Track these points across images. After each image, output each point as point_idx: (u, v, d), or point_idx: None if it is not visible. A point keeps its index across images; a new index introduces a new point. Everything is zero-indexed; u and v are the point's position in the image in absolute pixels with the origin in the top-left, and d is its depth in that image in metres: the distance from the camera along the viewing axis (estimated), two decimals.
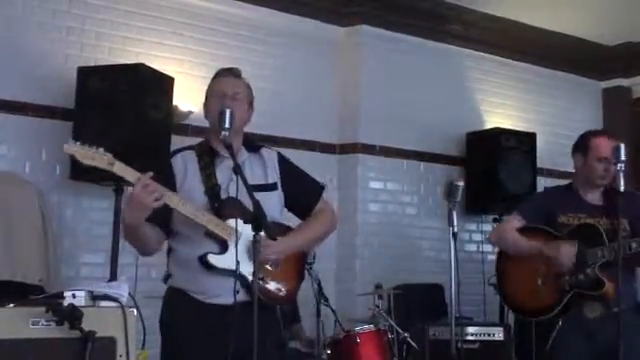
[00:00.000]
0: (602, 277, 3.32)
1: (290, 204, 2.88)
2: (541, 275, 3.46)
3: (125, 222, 2.58)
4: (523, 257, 3.52)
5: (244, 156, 2.81)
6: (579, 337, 3.37)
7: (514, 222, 3.59)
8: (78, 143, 2.51)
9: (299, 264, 2.89)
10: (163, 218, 2.66)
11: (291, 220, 2.92)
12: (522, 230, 3.55)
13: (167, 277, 2.80)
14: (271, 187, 2.80)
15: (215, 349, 2.60)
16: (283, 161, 2.91)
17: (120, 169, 2.52)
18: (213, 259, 2.64)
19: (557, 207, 3.52)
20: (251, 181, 2.62)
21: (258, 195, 2.56)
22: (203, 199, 2.69)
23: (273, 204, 2.78)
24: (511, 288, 3.65)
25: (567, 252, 3.37)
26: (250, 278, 2.60)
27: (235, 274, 2.58)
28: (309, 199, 2.93)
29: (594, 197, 3.53)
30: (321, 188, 3.00)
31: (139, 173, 2.53)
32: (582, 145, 3.57)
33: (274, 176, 2.84)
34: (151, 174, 2.52)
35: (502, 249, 3.70)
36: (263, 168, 2.83)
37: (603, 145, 3.49)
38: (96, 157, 2.50)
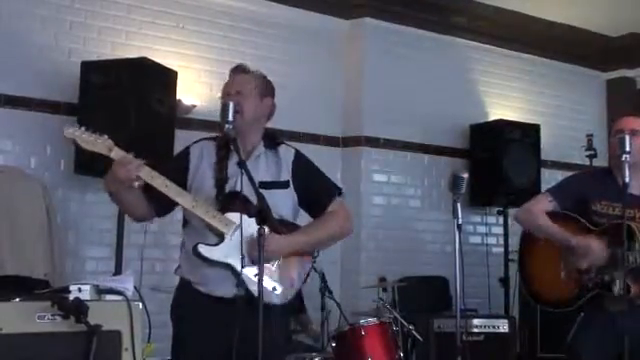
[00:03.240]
0: (630, 283, 3.16)
1: (303, 203, 2.85)
2: (565, 268, 3.33)
3: (105, 187, 2.71)
4: (548, 243, 3.37)
5: (259, 151, 2.80)
6: (600, 330, 3.25)
7: (545, 203, 3.39)
8: (81, 128, 2.57)
9: (300, 266, 2.80)
10: (156, 197, 2.69)
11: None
12: (552, 215, 3.36)
13: (177, 267, 2.84)
14: (282, 185, 2.78)
15: (217, 338, 2.62)
16: (299, 159, 2.87)
17: (117, 155, 2.58)
18: (203, 249, 2.65)
19: (592, 193, 3.34)
20: (263, 177, 2.64)
21: (268, 192, 2.57)
22: (212, 191, 2.70)
23: (283, 202, 2.76)
24: (532, 273, 3.50)
25: (598, 249, 3.21)
26: (241, 272, 2.59)
27: (231, 267, 2.60)
28: (321, 199, 2.87)
29: (633, 184, 3.21)
30: (337, 190, 2.93)
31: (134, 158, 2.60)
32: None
33: (286, 174, 2.81)
34: (141, 161, 2.60)
35: (529, 230, 3.50)
36: (277, 165, 2.81)
37: (623, 120, 3.38)
38: (97, 143, 2.56)
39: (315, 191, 2.88)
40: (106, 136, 2.59)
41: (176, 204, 2.72)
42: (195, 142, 2.87)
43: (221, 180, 2.71)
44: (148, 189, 2.66)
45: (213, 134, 2.89)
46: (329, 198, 2.88)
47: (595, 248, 3.22)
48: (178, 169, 2.76)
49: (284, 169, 2.81)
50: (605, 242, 3.25)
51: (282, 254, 2.72)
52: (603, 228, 3.29)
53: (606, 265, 3.23)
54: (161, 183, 2.63)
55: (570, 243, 3.28)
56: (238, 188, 2.64)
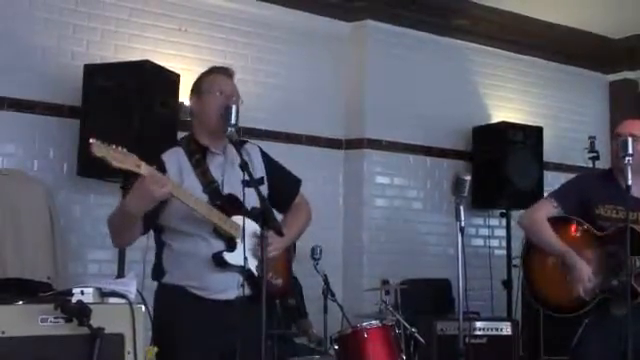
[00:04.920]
0: (637, 287, 3.15)
1: (271, 197, 2.85)
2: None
3: (126, 209, 2.52)
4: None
5: (233, 152, 2.76)
6: (605, 334, 3.23)
7: (549, 208, 3.38)
8: (110, 145, 2.38)
9: (287, 257, 2.94)
10: (151, 213, 2.61)
11: None
12: (558, 220, 3.36)
13: (159, 274, 2.77)
14: (260, 182, 2.81)
15: (216, 344, 2.62)
16: (265, 155, 2.94)
17: (146, 170, 2.45)
18: (228, 257, 2.66)
19: (595, 196, 3.33)
20: (240, 177, 2.60)
21: (248, 190, 2.58)
22: (202, 197, 2.68)
23: None
24: (537, 279, 3.48)
25: (585, 276, 3.22)
26: (256, 273, 2.65)
27: (244, 270, 2.60)
28: (289, 193, 2.99)
29: (635, 188, 3.20)
30: (299, 182, 3.04)
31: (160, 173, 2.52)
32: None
33: (260, 171, 2.86)
34: (167, 176, 2.54)
35: (531, 239, 3.50)
36: (249, 163, 2.81)
37: (624, 123, 3.37)
38: (125, 160, 2.40)
39: (284, 185, 2.96)
40: (125, 149, 2.41)
41: (157, 217, 2.68)
42: (163, 151, 2.81)
43: (210, 185, 2.71)
44: None
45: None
46: (296, 192, 3.01)
47: (584, 274, 3.24)
48: None
49: (256, 166, 2.85)
50: (598, 266, 3.25)
51: (282, 251, 2.80)
52: (608, 234, 3.28)
53: (613, 269, 3.23)
54: (184, 194, 2.57)
55: (565, 260, 3.29)
56: (226, 191, 2.69)
